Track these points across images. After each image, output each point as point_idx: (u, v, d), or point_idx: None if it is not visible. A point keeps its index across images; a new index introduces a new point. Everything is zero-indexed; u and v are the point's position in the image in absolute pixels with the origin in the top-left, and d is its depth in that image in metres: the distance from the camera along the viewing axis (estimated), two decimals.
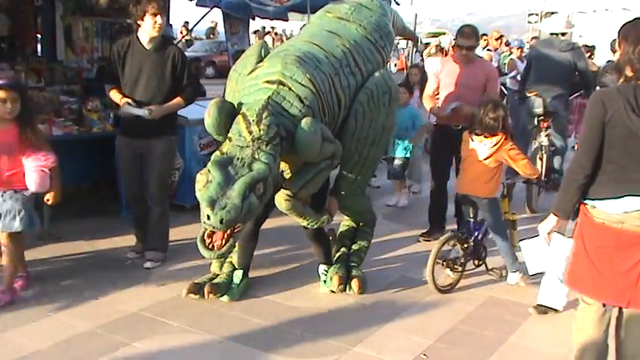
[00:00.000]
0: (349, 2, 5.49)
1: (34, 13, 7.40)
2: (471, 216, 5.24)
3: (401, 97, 6.44)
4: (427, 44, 29.64)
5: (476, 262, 5.35)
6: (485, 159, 5.04)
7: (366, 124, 4.90)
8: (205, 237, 4.06)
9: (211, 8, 8.14)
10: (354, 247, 5.38)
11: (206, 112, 4.30)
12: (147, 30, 5.16)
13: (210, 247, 4.05)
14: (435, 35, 36.23)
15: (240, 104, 4.40)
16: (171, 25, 7.97)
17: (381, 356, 4.18)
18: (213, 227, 3.90)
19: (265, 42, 5.27)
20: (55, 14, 7.30)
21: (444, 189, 6.42)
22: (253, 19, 9.59)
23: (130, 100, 5.18)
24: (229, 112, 4.31)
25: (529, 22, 36.23)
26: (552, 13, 37.25)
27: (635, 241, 3.36)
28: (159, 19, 5.11)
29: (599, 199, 3.42)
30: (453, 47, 7.66)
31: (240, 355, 4.14)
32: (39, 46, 7.76)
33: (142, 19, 5.12)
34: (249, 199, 3.97)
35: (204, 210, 3.88)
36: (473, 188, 5.15)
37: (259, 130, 4.12)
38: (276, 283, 5.25)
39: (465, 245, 5.24)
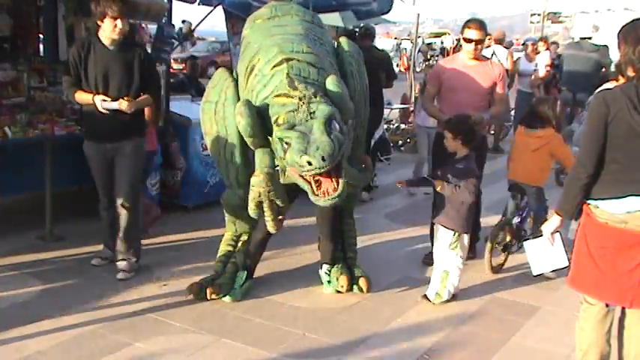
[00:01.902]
0: (266, 7, 5.36)
1: (37, 13, 7.40)
2: (518, 202, 5.76)
3: None
4: (429, 44, 29.77)
5: (518, 244, 5.65)
6: (535, 150, 5.46)
7: (359, 84, 5.01)
8: (317, 192, 4.01)
9: (214, 7, 8.14)
10: (347, 241, 5.38)
11: (238, 115, 4.20)
12: (107, 32, 5.04)
13: (326, 194, 3.98)
14: (438, 35, 36.34)
15: (264, 99, 4.35)
16: (173, 25, 7.95)
17: (383, 356, 4.18)
18: (320, 168, 3.84)
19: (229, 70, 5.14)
20: (58, 14, 7.30)
21: None
22: None
23: (103, 96, 5.01)
24: (256, 111, 4.24)
25: (531, 22, 36.22)
26: (555, 13, 37.32)
27: (638, 241, 3.36)
28: (119, 23, 4.99)
29: (602, 199, 3.41)
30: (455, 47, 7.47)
31: (242, 355, 4.13)
32: (41, 46, 7.76)
33: (102, 21, 5.00)
34: (334, 134, 3.94)
35: (303, 160, 3.84)
36: (525, 177, 5.60)
37: (300, 92, 4.12)
38: (278, 283, 5.25)
39: (513, 229, 5.70)
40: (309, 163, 3.83)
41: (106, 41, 5.07)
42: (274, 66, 4.44)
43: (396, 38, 34.33)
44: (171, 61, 7.95)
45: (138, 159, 5.32)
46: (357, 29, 10.80)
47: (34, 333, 4.29)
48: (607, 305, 3.56)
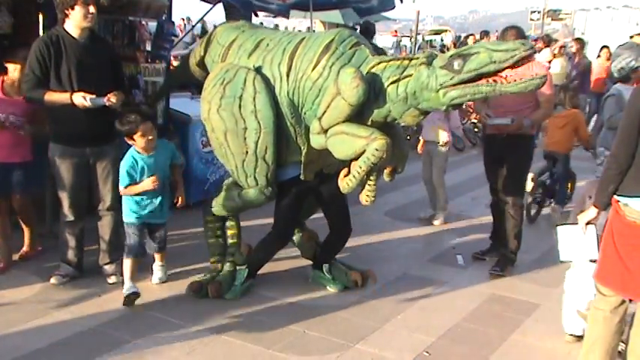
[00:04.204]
0: (230, 25, 5.42)
1: (37, 11, 7.39)
2: (551, 167, 7.40)
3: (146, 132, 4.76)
4: (429, 41, 29.76)
5: (551, 199, 7.47)
6: (562, 127, 7.17)
7: None
8: (510, 79, 4.06)
9: (214, 4, 8.15)
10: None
11: (357, 79, 4.22)
12: (77, 21, 4.72)
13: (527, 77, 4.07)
14: (437, 33, 36.29)
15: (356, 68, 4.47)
16: (173, 22, 7.93)
17: (383, 353, 4.18)
18: (531, 47, 4.01)
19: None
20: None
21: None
22: (257, 15, 9.61)
23: (84, 94, 4.66)
24: None
25: (531, 20, 36.16)
26: (555, 10, 37.26)
27: None
28: (91, 8, 4.70)
29: (631, 197, 3.43)
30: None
31: (242, 353, 4.14)
32: None
33: (72, 9, 4.68)
34: None
35: (516, 44, 3.99)
36: (555, 146, 7.33)
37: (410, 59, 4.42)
38: (278, 280, 5.25)
39: (546, 187, 7.38)
40: (524, 44, 4.00)
41: (75, 32, 4.77)
42: (352, 46, 4.58)
43: (395, 35, 34.25)
44: (172, 58, 7.91)
45: (119, 162, 5.03)
46: (357, 26, 10.77)
47: (34, 330, 4.30)
48: (630, 301, 3.58)
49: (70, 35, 4.79)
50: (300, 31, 10.73)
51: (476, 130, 11.85)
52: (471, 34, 18.85)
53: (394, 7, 10.24)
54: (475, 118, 11.74)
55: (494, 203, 5.89)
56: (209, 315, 4.61)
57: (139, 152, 4.78)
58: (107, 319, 4.48)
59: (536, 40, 13.15)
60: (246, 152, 4.69)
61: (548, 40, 14.08)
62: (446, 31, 36.60)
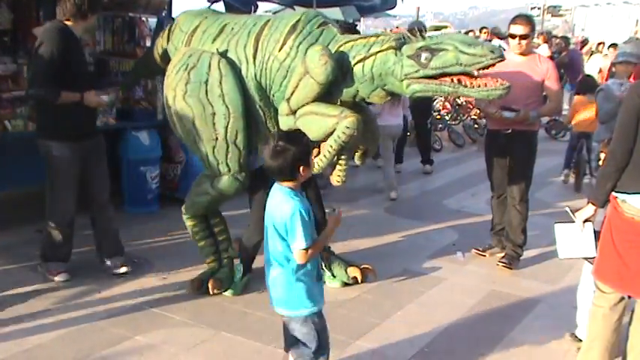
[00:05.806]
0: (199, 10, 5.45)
1: (37, 7, 7.38)
2: (582, 144, 8.67)
3: None
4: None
5: (588, 172, 8.62)
6: (593, 110, 7.59)
7: None
8: (473, 85, 4.08)
9: (215, 0, 8.18)
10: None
11: (325, 57, 4.19)
12: (95, 26, 4.99)
13: (493, 85, 4.06)
14: (438, 29, 36.30)
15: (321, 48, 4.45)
16: (173, 19, 7.93)
17: (382, 350, 4.19)
18: (500, 57, 3.98)
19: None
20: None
21: (506, 199, 5.74)
22: (255, 11, 9.64)
23: (94, 92, 4.82)
24: None
25: None
26: (554, 6, 37.27)
27: None
28: None
29: (629, 193, 3.43)
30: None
31: (242, 349, 4.14)
32: None
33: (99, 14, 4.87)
34: None
35: (484, 50, 3.97)
36: (590, 127, 8.12)
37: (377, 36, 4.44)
38: None
39: (581, 160, 8.74)
40: (492, 52, 3.96)
41: (79, 33, 4.88)
42: (319, 25, 4.60)
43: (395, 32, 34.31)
44: None
45: (106, 151, 5.21)
46: (356, 22, 10.76)
47: (34, 326, 4.30)
48: (628, 297, 3.58)
49: (76, 36, 4.86)
50: None
51: (476, 126, 11.86)
52: (471, 30, 18.82)
53: (395, 5, 10.25)
54: (475, 115, 11.75)
55: (494, 199, 5.90)
56: (209, 311, 4.61)
57: (293, 190, 3.23)
58: (107, 316, 4.48)
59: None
60: (216, 138, 4.61)
61: (548, 37, 14.11)
62: (446, 27, 36.55)
